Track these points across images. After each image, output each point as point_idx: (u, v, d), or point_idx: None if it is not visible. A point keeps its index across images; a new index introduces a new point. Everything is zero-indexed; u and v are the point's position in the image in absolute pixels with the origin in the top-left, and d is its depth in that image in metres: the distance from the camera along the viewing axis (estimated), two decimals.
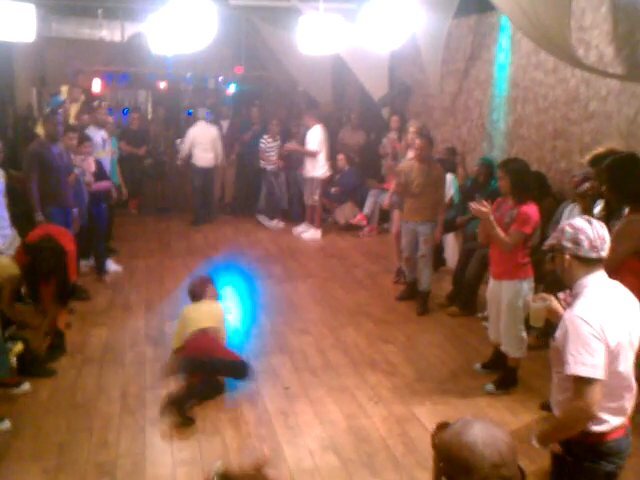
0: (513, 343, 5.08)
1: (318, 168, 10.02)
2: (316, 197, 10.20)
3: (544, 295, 3.22)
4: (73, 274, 5.87)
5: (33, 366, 5.22)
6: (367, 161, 11.11)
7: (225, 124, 11.55)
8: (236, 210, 11.57)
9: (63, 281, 5.52)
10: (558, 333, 2.78)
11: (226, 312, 5.61)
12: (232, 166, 11.59)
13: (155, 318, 6.53)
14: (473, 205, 4.94)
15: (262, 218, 10.99)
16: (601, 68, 6.22)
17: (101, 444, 4.28)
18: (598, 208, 5.06)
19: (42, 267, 5.28)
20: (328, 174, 10.23)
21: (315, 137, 9.96)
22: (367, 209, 10.59)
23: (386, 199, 8.90)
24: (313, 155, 9.97)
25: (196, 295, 5.55)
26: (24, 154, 6.87)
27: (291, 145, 10.46)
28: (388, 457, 4.23)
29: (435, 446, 1.92)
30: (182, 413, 4.55)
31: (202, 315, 5.33)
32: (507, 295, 5.01)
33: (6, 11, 5.97)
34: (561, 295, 3.31)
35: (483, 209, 4.85)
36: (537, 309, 3.22)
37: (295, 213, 11.02)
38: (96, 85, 10.86)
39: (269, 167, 10.80)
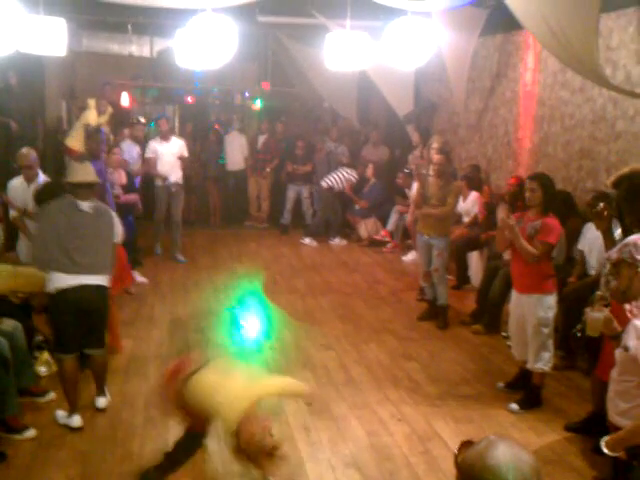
0: (542, 355, 5.05)
1: None
2: None
3: (601, 307, 3.23)
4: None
5: None
6: (392, 178, 11.14)
7: (262, 139, 11.70)
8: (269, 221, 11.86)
9: None
10: (632, 343, 2.80)
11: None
12: (267, 179, 11.83)
13: (179, 330, 6.58)
14: (501, 215, 5.04)
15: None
16: (628, 88, 6.20)
17: (124, 454, 4.31)
18: (619, 231, 4.98)
19: None
20: None
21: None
22: (391, 225, 10.59)
23: (409, 217, 8.92)
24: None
25: None
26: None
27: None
28: (410, 475, 4.21)
29: (458, 466, 1.92)
30: None
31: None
32: (536, 309, 5.00)
33: (38, 26, 6.12)
34: (627, 307, 3.30)
35: (510, 222, 5.01)
36: (595, 319, 3.22)
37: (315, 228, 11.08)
38: (125, 99, 11.01)
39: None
